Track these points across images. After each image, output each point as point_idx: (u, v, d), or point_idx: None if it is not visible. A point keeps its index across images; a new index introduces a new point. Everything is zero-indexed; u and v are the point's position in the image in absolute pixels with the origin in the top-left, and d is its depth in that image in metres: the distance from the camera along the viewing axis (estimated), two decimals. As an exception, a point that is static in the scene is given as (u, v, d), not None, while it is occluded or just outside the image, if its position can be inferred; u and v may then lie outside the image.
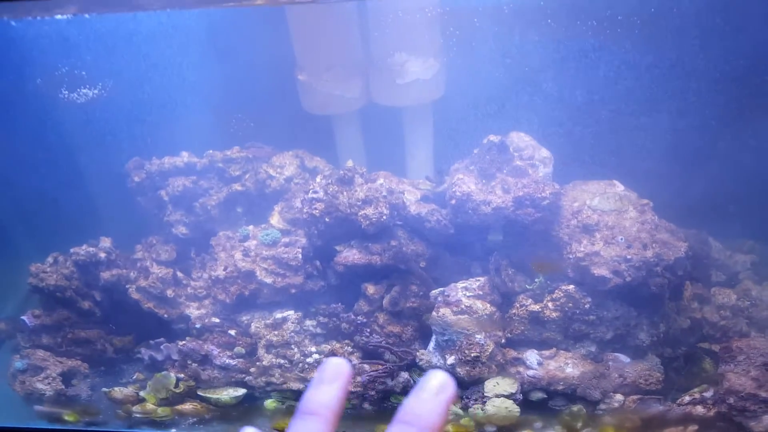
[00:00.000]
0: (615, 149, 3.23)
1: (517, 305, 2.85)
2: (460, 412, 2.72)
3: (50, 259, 3.19)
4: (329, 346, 2.92)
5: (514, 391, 2.72)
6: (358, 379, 2.77)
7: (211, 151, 3.41)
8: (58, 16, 2.03)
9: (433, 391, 0.59)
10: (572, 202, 2.86)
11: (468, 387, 2.78)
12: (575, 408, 2.70)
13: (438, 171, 3.16)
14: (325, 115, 3.67)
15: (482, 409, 2.67)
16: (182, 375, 2.96)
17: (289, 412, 2.88)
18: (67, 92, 3.17)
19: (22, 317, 3.17)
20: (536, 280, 2.85)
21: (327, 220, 2.91)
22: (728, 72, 2.99)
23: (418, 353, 2.85)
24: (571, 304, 2.75)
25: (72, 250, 3.16)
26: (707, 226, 3.33)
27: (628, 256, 2.62)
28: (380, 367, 2.81)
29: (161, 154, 3.39)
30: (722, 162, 3.25)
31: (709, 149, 3.19)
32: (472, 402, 2.71)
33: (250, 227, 3.24)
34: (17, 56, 3.21)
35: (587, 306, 2.75)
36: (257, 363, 2.91)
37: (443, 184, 3.07)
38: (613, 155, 3.23)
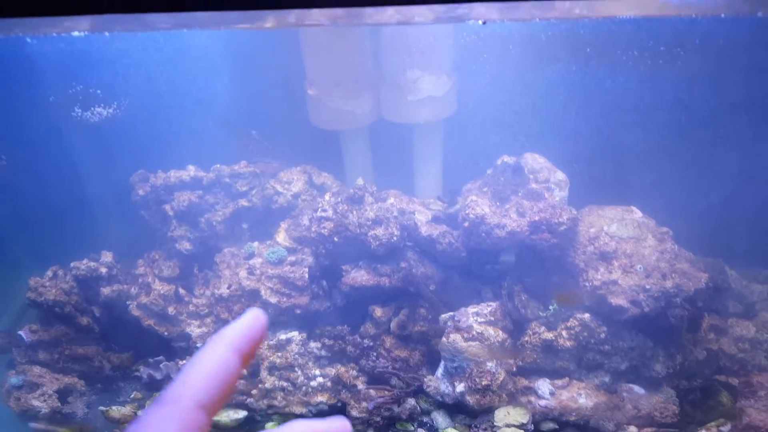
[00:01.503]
0: (631, 174, 3.16)
1: (530, 332, 2.76)
2: (469, 442, 2.63)
3: (50, 273, 3.10)
4: (334, 370, 2.83)
5: (525, 422, 2.62)
6: (364, 405, 2.68)
7: (218, 166, 3.34)
8: (75, 33, 1.96)
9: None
10: (588, 227, 2.78)
11: (477, 416, 2.68)
12: (588, 441, 2.61)
13: (450, 191, 3.09)
14: (334, 131, 3.60)
15: (492, 440, 2.58)
16: (182, 396, 2.86)
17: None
18: (80, 111, 3.11)
19: (19, 332, 3.08)
20: (550, 307, 2.77)
21: (335, 239, 2.83)
22: (745, 105, 2.93)
23: (425, 379, 2.76)
24: (586, 333, 2.67)
25: (72, 265, 3.08)
26: (721, 253, 3.26)
27: (647, 286, 2.54)
28: (386, 392, 2.71)
29: (167, 167, 3.32)
30: (738, 191, 3.19)
31: (726, 177, 3.12)
32: (481, 431, 2.62)
33: (256, 244, 3.15)
34: (28, 71, 3.14)
35: (603, 335, 2.66)
36: (259, 385, 2.82)
37: (455, 205, 3.00)
38: (628, 180, 3.15)
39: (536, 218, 2.66)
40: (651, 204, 2.96)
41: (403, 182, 3.61)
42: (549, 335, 2.72)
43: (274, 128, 3.65)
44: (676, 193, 3.10)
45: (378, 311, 2.87)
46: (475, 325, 2.69)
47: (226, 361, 0.47)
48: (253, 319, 0.49)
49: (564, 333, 2.70)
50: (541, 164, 2.96)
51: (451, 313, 2.80)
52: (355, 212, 2.86)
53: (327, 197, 2.99)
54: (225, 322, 2.99)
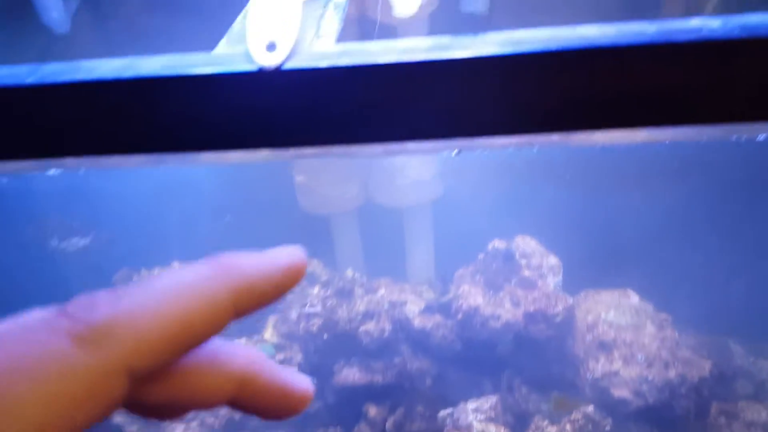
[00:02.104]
0: (625, 255, 3.11)
1: (533, 427, 2.63)
2: None
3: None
4: (328, 477, 2.67)
5: None
6: None
7: (203, 260, 3.26)
8: (51, 171, 1.92)
9: None
10: (586, 314, 2.71)
11: None
12: None
13: (442, 278, 3.03)
14: (323, 214, 3.58)
15: None
16: None
17: None
18: (57, 241, 3.07)
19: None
20: (551, 400, 2.65)
21: (325, 336, 2.74)
22: (738, 180, 2.94)
23: (426, 484, 2.60)
24: (590, 427, 2.54)
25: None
26: (723, 326, 3.17)
27: (650, 377, 2.44)
28: (385, 501, 2.55)
29: (151, 264, 3.25)
30: (737, 263, 3.14)
31: (724, 256, 3.08)
32: None
33: (243, 341, 3.04)
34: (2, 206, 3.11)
35: (608, 428, 2.54)
36: (249, 497, 2.65)
37: (448, 294, 2.93)
38: (623, 261, 3.10)
39: (531, 309, 2.59)
40: (647, 281, 2.91)
41: (394, 264, 3.56)
42: (553, 430, 2.59)
43: (261, 215, 3.62)
44: (674, 269, 3.05)
45: (372, 410, 2.73)
46: (475, 423, 2.56)
47: (212, 312, 0.26)
48: (287, 262, 0.28)
49: (568, 427, 2.57)
50: (533, 248, 2.92)
51: (450, 410, 2.67)
52: (344, 306, 2.78)
53: (315, 291, 2.91)
54: (210, 428, 2.84)
